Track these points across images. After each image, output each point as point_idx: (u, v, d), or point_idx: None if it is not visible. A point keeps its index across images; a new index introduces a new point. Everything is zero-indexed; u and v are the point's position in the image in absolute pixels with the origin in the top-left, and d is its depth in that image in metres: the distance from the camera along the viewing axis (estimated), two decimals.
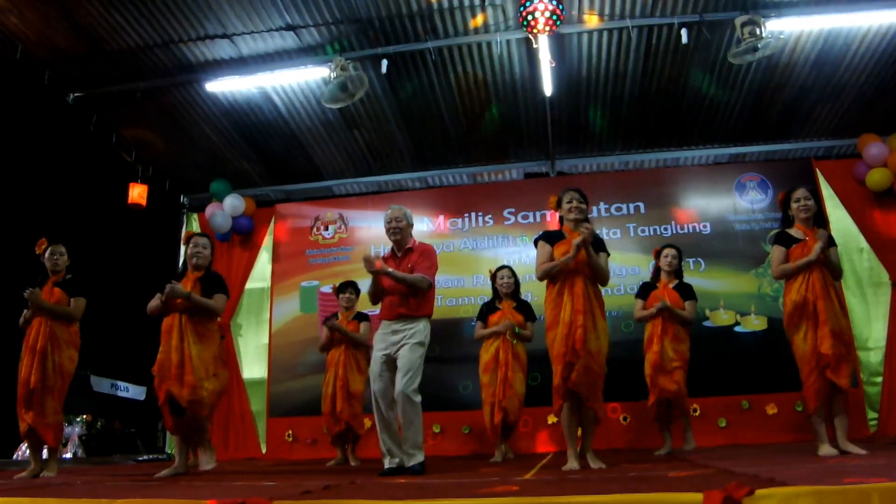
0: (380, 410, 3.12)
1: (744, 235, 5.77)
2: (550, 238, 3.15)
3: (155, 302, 3.44)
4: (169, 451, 6.22)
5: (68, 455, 7.45)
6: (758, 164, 6.27)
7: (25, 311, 3.73)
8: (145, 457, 6.03)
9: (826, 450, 3.02)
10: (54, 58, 5.14)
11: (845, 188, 5.72)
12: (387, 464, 3.09)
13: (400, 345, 3.14)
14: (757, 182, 5.93)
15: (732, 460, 3.08)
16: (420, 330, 3.17)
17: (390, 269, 3.19)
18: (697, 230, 5.86)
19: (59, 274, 3.80)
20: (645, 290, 4.30)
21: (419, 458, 3.03)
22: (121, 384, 11.04)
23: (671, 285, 4.23)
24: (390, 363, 3.16)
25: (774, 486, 1.57)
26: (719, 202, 5.91)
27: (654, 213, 5.98)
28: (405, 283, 3.17)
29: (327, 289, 6.29)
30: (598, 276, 3.10)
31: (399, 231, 3.33)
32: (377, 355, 3.19)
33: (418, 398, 3.06)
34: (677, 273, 4.29)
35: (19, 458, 7.45)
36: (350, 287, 4.73)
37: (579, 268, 3.03)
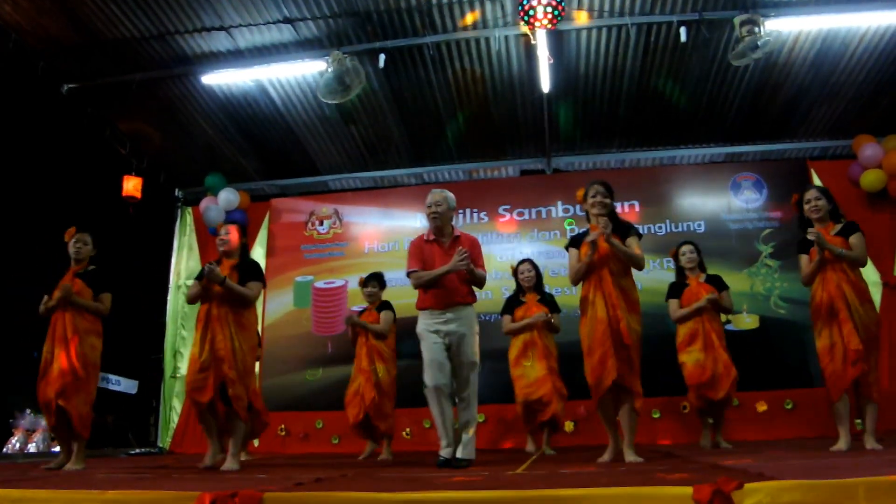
0: (439, 398, 3.12)
1: (738, 234, 5.80)
2: (577, 241, 3.14)
3: (194, 289, 3.37)
4: (161, 445, 6.21)
5: (57, 449, 7.42)
6: (753, 163, 6.30)
7: (46, 296, 3.61)
8: (137, 450, 6.01)
9: (840, 444, 3.04)
10: (48, 48, 5.10)
11: (839, 189, 5.71)
12: (446, 454, 3.07)
13: (457, 333, 3.15)
14: (752, 182, 5.95)
15: (722, 456, 3.10)
16: (474, 317, 3.26)
17: (478, 271, 3.25)
18: (692, 228, 5.88)
19: (82, 263, 3.72)
20: (676, 290, 4.20)
21: (474, 453, 3.10)
22: (112, 377, 10.98)
23: (702, 279, 4.18)
24: (448, 351, 3.18)
25: (763, 480, 1.58)
26: (714, 201, 5.94)
27: (650, 211, 6.00)
28: (477, 279, 3.25)
29: (321, 284, 6.29)
30: (632, 265, 3.07)
31: (439, 216, 3.29)
32: (435, 346, 3.16)
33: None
34: (701, 266, 4.24)
35: (9, 452, 7.41)
36: (373, 280, 4.50)
37: (606, 263, 3.01)
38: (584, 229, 3.21)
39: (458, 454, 3.06)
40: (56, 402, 3.44)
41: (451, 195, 3.36)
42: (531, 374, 4.18)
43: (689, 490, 1.51)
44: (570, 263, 3.16)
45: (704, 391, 3.98)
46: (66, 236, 3.74)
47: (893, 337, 5.37)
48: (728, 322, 5.49)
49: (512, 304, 4.42)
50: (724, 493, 1.47)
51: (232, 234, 3.42)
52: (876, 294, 5.49)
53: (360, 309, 4.69)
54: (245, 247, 3.51)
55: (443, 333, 3.16)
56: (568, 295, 5.65)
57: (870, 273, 5.56)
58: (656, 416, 5.22)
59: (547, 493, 1.62)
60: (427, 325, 3.21)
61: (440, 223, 3.29)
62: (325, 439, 5.70)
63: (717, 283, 4.19)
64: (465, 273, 3.21)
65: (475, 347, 3.21)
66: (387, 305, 4.45)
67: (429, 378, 3.14)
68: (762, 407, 5.17)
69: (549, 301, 4.40)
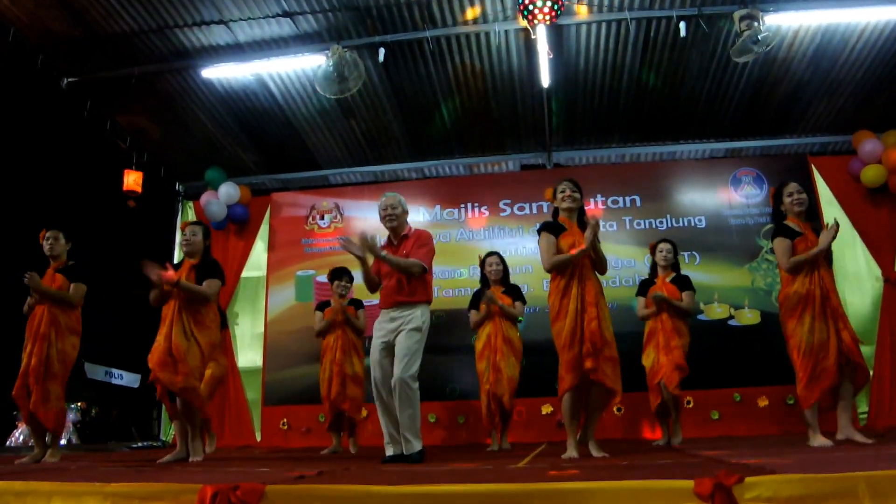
0: (380, 398, 3.13)
1: (738, 230, 5.80)
2: (554, 229, 3.13)
3: (154, 293, 3.50)
4: (164, 439, 6.24)
5: (62, 442, 7.46)
6: (754, 158, 6.29)
7: (29, 298, 3.73)
8: (140, 444, 6.04)
9: (820, 440, 3.04)
10: (48, 42, 5.07)
11: (840, 184, 5.75)
12: (389, 451, 3.11)
13: (397, 332, 3.14)
14: (752, 177, 5.95)
15: (723, 450, 3.11)
16: (417, 316, 3.16)
17: (384, 253, 3.18)
18: (693, 224, 5.89)
19: (59, 260, 3.80)
20: (644, 287, 4.30)
21: (417, 445, 3.03)
22: (115, 371, 11.00)
23: (668, 279, 4.22)
24: (389, 350, 3.17)
25: (764, 474, 1.59)
26: (715, 196, 5.94)
27: (650, 206, 6.00)
28: (397, 267, 3.16)
29: (323, 278, 6.29)
30: (603, 266, 3.13)
31: (394, 218, 3.33)
32: (376, 343, 3.20)
33: (415, 384, 3.05)
34: (674, 267, 4.28)
35: (13, 445, 7.45)
36: (344, 275, 4.70)
37: (587, 260, 3.03)
38: (556, 222, 3.20)
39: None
40: (31, 395, 3.55)
41: (403, 198, 3.41)
42: (491, 368, 4.23)
43: (690, 483, 1.52)
44: (546, 249, 3.07)
45: (657, 390, 4.08)
46: (40, 237, 3.83)
47: (893, 335, 5.38)
48: (731, 317, 5.52)
49: (477, 298, 4.44)
50: (725, 487, 1.48)
51: (196, 236, 3.55)
52: (877, 290, 5.52)
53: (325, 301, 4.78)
54: (208, 248, 3.64)
55: (387, 331, 3.18)
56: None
57: (871, 268, 5.58)
58: None
59: (548, 486, 1.63)
60: (377, 325, 3.25)
61: (395, 225, 3.33)
62: (327, 433, 5.72)
63: (682, 283, 4.20)
64: (395, 274, 3.18)
65: (410, 345, 3.07)
66: (360, 304, 4.70)
67: (371, 373, 3.22)
68: (763, 402, 5.19)
69: (513, 291, 4.41)
